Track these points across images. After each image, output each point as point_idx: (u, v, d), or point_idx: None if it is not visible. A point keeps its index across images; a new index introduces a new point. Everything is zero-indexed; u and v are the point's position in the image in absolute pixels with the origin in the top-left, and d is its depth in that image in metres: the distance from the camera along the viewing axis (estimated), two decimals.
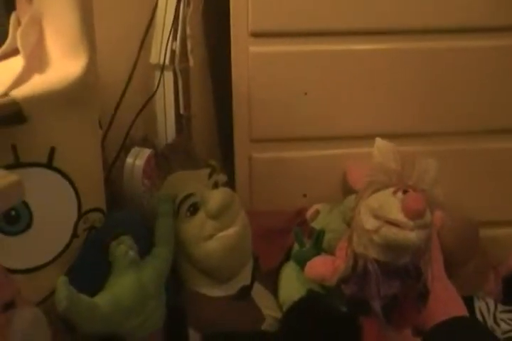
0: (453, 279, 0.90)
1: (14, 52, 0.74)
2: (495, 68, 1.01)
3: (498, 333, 0.96)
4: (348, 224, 0.90)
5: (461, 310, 0.86)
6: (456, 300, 0.88)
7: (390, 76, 1.00)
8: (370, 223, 0.74)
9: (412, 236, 0.71)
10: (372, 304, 0.76)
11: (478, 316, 0.98)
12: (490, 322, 0.98)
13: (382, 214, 0.73)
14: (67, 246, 0.74)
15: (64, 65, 0.72)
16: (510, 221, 1.11)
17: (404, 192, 0.74)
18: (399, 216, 0.71)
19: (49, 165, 0.70)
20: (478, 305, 0.99)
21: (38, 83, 0.70)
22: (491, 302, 1.00)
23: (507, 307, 1.00)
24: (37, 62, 0.72)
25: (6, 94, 0.67)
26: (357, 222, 0.77)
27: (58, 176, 0.72)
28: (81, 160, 0.74)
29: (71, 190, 0.73)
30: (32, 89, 0.68)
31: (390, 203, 0.73)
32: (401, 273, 0.76)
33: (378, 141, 0.91)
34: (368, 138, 1.00)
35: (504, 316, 0.98)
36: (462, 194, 1.06)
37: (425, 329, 0.80)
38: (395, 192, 0.74)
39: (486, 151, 1.07)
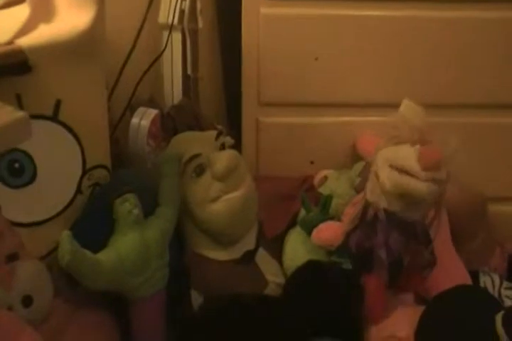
0: (459, 253, 0.90)
1: (19, 0, 0.72)
2: None
3: None
4: (356, 190, 0.89)
5: (466, 280, 0.86)
6: (461, 270, 0.88)
7: (403, 44, 0.98)
8: (384, 171, 0.74)
9: (423, 186, 0.71)
10: (377, 252, 0.75)
11: None
12: None
13: (398, 163, 0.73)
14: (71, 201, 0.73)
15: (71, 16, 0.70)
16: None
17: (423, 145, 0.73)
18: (414, 165, 0.71)
19: (54, 118, 0.69)
20: (484, 279, 0.98)
21: (44, 33, 0.68)
22: (497, 278, 0.98)
23: None
24: (43, 11, 0.70)
25: (10, 42, 0.66)
26: (373, 172, 0.77)
27: (63, 130, 0.70)
28: (87, 115, 0.73)
29: (76, 145, 0.72)
30: (38, 39, 0.67)
31: (407, 153, 0.72)
32: (409, 230, 0.76)
33: (405, 101, 0.89)
34: (378, 106, 0.99)
35: (509, 293, 0.96)
36: (471, 168, 1.03)
37: (429, 297, 0.79)
38: (413, 144, 0.73)
39: (497, 126, 1.05)
